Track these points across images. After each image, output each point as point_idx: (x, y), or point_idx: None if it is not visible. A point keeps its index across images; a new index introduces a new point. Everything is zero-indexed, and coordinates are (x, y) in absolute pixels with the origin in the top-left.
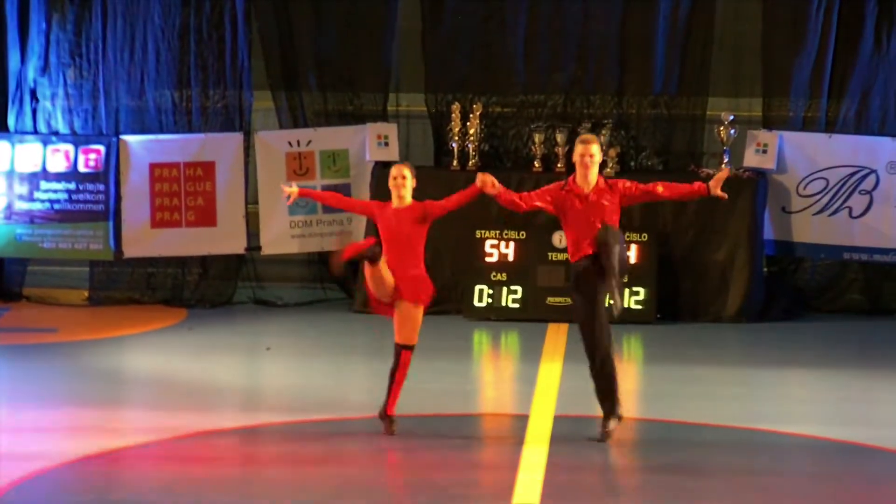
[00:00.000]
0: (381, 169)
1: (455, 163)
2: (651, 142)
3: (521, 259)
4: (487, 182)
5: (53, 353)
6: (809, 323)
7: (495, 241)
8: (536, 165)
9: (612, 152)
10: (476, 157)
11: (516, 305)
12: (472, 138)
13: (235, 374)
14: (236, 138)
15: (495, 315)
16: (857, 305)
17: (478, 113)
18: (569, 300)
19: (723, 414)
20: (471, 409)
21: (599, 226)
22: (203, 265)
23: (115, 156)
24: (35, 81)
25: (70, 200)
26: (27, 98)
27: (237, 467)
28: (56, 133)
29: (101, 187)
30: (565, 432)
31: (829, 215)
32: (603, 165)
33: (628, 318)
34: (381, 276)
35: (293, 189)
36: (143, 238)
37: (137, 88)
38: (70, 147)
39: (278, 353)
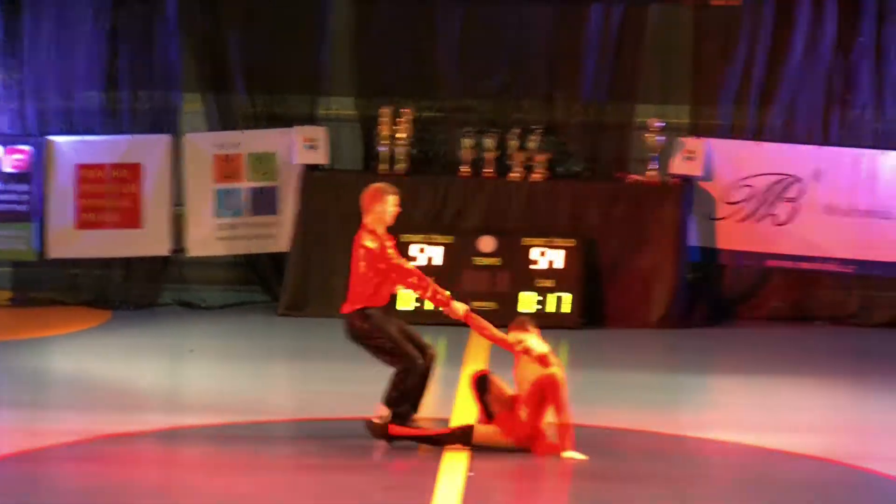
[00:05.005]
0: (309, 172)
1: (384, 166)
2: (579, 148)
3: (448, 263)
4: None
5: None
6: (733, 329)
7: (421, 246)
8: (465, 170)
9: (542, 158)
10: (405, 162)
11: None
12: (401, 142)
13: (158, 376)
14: (164, 140)
15: (421, 319)
16: (780, 312)
17: (407, 118)
18: (495, 304)
19: (646, 420)
20: None
21: None
22: (127, 267)
23: (41, 156)
24: None
25: None
26: None
27: (158, 470)
28: None
29: (27, 188)
30: None
31: (755, 222)
32: (530, 171)
33: (554, 323)
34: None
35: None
36: (67, 239)
37: (66, 89)
38: None
39: (201, 355)
